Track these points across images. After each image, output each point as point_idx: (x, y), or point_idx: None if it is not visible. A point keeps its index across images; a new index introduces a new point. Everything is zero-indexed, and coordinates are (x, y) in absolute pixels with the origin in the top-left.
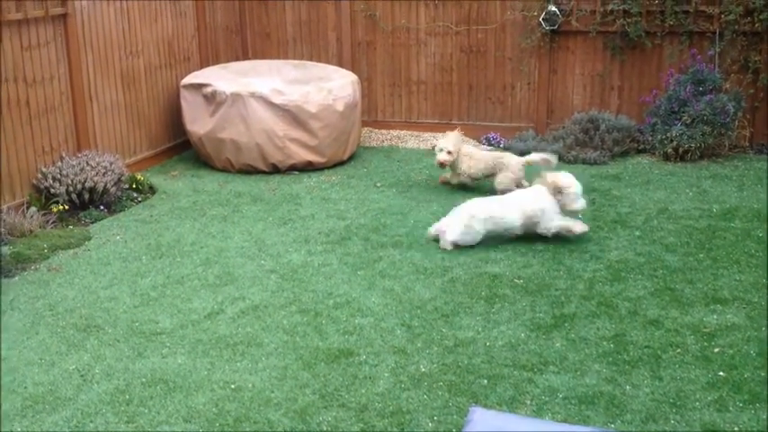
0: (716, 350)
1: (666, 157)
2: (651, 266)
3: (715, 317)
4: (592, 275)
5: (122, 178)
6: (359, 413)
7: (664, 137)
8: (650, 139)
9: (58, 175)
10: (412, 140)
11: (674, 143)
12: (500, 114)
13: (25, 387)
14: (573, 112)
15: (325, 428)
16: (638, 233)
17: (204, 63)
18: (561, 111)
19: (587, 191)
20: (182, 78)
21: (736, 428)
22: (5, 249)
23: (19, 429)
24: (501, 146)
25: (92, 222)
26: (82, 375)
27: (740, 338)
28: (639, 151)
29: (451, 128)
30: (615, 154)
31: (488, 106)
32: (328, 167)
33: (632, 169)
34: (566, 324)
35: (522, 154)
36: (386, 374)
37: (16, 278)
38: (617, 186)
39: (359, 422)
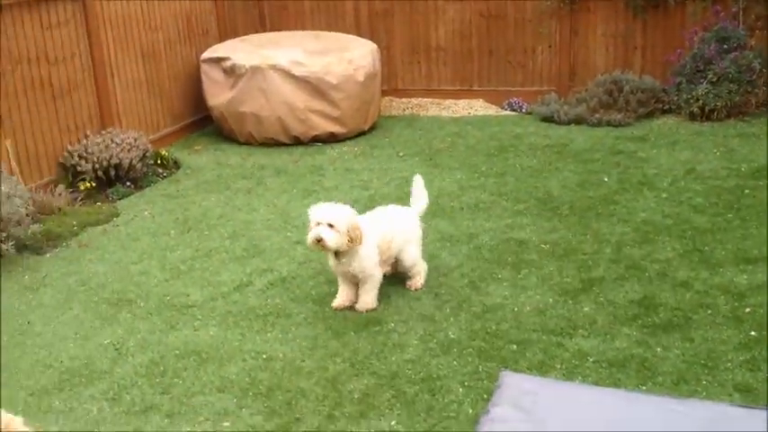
0: (747, 310)
1: (692, 117)
2: (679, 228)
3: (745, 277)
4: (619, 238)
5: (147, 154)
6: (389, 380)
7: (689, 96)
8: (675, 98)
9: (84, 153)
10: (433, 108)
11: (700, 102)
12: (521, 78)
13: (61, 361)
14: (596, 73)
15: (356, 396)
16: (665, 195)
17: (223, 36)
18: (584, 73)
19: (613, 153)
20: (201, 53)
21: None
22: (36, 227)
23: (57, 403)
24: (523, 110)
25: (119, 199)
26: (117, 349)
27: None
28: (665, 111)
29: (473, 94)
30: (640, 115)
31: (509, 71)
32: (350, 138)
33: (658, 130)
34: (594, 288)
35: (544, 119)
36: (415, 342)
37: (48, 255)
38: (643, 148)
39: (390, 389)
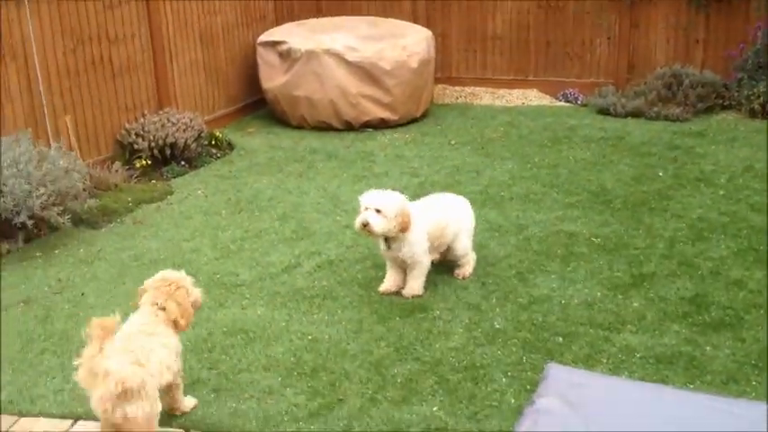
0: None
1: (753, 114)
2: (735, 226)
3: None
4: (673, 234)
5: (202, 135)
6: (433, 367)
7: (750, 92)
8: (736, 94)
9: (141, 132)
10: (487, 97)
11: (762, 99)
12: (578, 70)
13: None
14: (655, 66)
15: (399, 381)
16: (722, 192)
17: (279, 21)
18: (643, 66)
19: (670, 147)
20: (257, 36)
21: None
22: (92, 202)
23: None
24: (579, 102)
25: (173, 177)
26: None
27: None
28: (725, 107)
29: (527, 84)
30: (699, 110)
31: (566, 62)
32: (402, 125)
33: (717, 126)
34: (644, 283)
35: (600, 111)
36: (460, 330)
37: (103, 230)
38: (701, 143)
39: (433, 375)
